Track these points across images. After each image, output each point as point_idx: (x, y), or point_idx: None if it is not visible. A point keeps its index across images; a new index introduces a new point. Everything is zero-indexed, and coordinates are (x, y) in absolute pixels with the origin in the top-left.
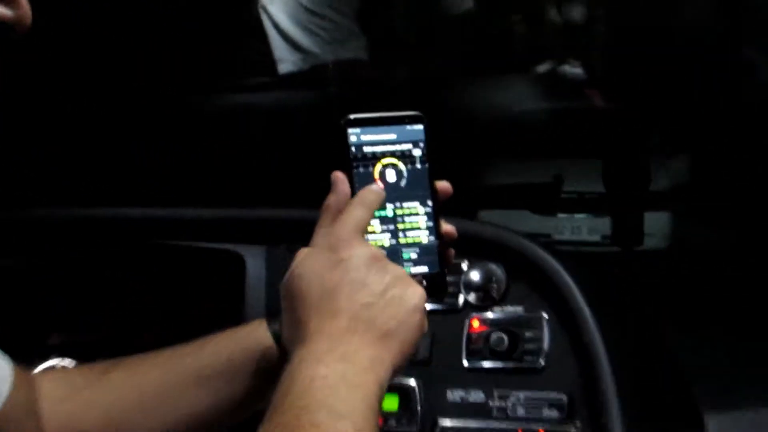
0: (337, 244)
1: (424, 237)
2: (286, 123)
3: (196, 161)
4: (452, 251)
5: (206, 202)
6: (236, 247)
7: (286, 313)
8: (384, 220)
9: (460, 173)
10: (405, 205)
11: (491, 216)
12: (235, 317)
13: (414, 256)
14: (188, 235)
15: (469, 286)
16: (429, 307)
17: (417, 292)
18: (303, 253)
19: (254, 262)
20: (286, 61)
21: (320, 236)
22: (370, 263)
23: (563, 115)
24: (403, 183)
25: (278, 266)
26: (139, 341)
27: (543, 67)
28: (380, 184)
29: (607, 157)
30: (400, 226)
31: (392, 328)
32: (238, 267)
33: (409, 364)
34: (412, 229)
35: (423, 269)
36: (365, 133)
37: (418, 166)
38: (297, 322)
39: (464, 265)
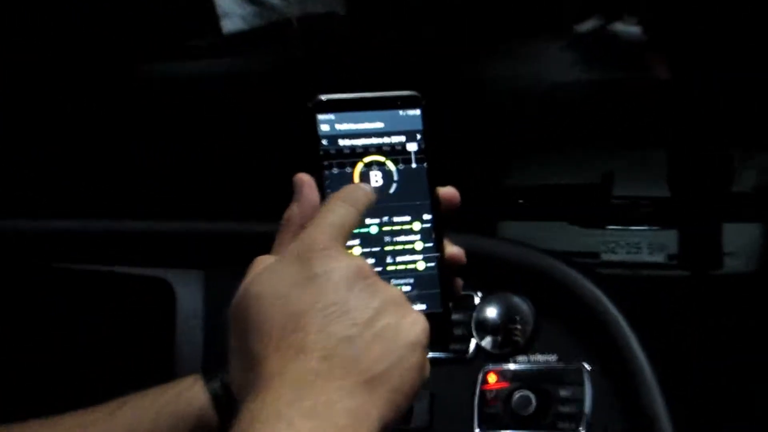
0: (309, 253)
1: (420, 263)
2: (231, 103)
3: (110, 155)
4: (459, 282)
5: (123, 211)
6: (163, 273)
7: (236, 351)
8: (366, 241)
9: (472, 173)
10: (395, 219)
11: (514, 230)
12: (161, 368)
13: (407, 289)
14: (99, 256)
15: (484, 328)
16: (430, 355)
17: (417, 322)
18: (261, 264)
19: (187, 291)
20: (232, 16)
21: (285, 245)
22: (354, 281)
23: (614, 90)
24: (392, 189)
25: (220, 297)
26: (33, 399)
27: (586, 26)
28: None
29: (673, 148)
30: (389, 248)
31: (381, 372)
32: (166, 299)
33: None
34: (405, 252)
35: (419, 308)
36: (342, 121)
37: (414, 165)
38: (250, 361)
39: (476, 299)
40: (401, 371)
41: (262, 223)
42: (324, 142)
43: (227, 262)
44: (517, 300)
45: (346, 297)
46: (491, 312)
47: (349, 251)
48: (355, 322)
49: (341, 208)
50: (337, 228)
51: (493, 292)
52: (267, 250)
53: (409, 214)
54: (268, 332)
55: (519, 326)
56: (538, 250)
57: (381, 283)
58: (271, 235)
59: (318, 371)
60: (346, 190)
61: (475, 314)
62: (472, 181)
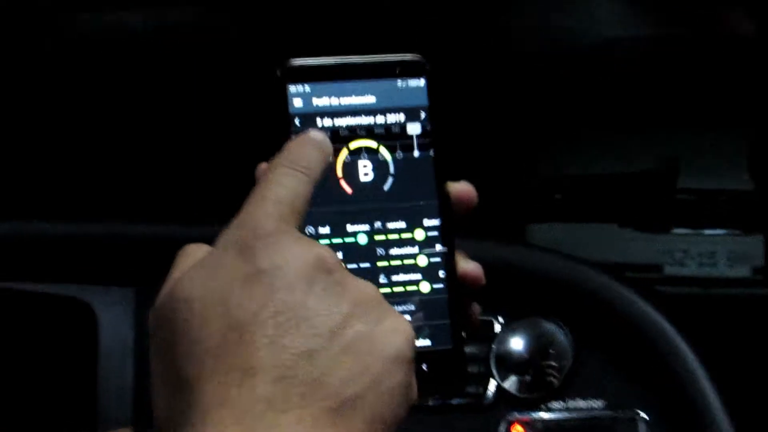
0: (251, 241)
1: (424, 284)
2: (173, 68)
3: (9, 134)
4: (477, 308)
5: (25, 210)
6: (80, 291)
7: (159, 375)
8: (351, 254)
9: (494, 162)
10: (391, 225)
11: (548, 235)
12: (80, 416)
13: (407, 319)
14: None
15: (507, 364)
16: (437, 401)
17: (398, 329)
18: (190, 257)
19: (112, 315)
20: None
21: (223, 234)
22: (313, 277)
23: (679, 51)
24: (387, 185)
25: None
26: None
27: None
28: (346, 187)
29: (756, 127)
30: (381, 264)
31: (353, 396)
32: (84, 325)
33: None
34: (404, 269)
35: (423, 343)
36: (320, 94)
37: (416, 153)
38: (179, 388)
39: (497, 326)
40: (379, 394)
41: (214, 226)
42: (297, 122)
43: (161, 277)
44: (550, 327)
45: (303, 299)
46: (516, 343)
47: (306, 236)
48: (316, 332)
49: (288, 177)
50: (285, 205)
51: (519, 316)
52: None
53: (409, 219)
54: (203, 349)
55: (553, 362)
56: (579, 261)
57: (350, 279)
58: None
59: (270, 398)
60: (291, 149)
61: (495, 346)
62: (494, 173)
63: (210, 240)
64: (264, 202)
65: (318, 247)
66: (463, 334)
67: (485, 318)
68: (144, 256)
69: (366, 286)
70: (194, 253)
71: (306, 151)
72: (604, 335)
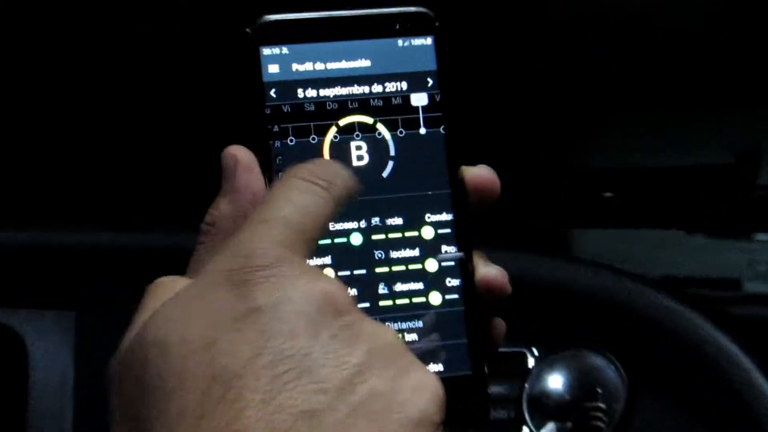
0: (246, 272)
1: (435, 295)
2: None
3: None
4: (501, 325)
5: None
6: (6, 316)
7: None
8: (343, 258)
9: (524, 145)
10: (392, 221)
11: (595, 243)
12: None
13: (412, 338)
14: None
15: (543, 407)
16: None
17: (424, 386)
18: (166, 289)
19: (47, 345)
20: None
21: (209, 255)
22: (321, 319)
23: (755, 13)
24: (387, 171)
25: (100, 353)
26: None
27: None
28: None
29: None
30: (381, 270)
31: None
32: (12, 356)
33: None
34: (409, 276)
35: (434, 368)
36: (302, 58)
37: (423, 131)
38: None
39: (530, 360)
40: None
41: (169, 233)
42: (272, 92)
43: (111, 297)
44: (597, 361)
45: (306, 346)
46: (555, 381)
47: (315, 268)
48: (321, 388)
49: (301, 192)
50: (293, 228)
51: (559, 348)
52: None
53: (414, 213)
54: (179, 407)
55: (601, 404)
56: (634, 277)
57: (365, 323)
58: (183, 254)
59: None
60: (315, 164)
61: (528, 385)
62: (524, 159)
63: (161, 250)
64: (266, 225)
65: (325, 282)
66: (485, 357)
67: (516, 349)
68: (84, 272)
69: (384, 331)
70: (170, 285)
71: (330, 167)
72: (664, 371)
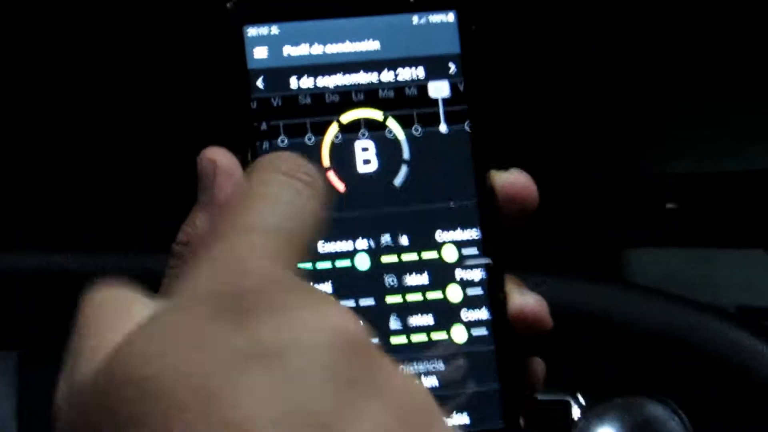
0: (241, 299)
1: (458, 330)
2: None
3: None
4: (539, 364)
5: None
6: None
7: None
8: (347, 283)
9: (567, 145)
10: (405, 240)
11: (657, 265)
12: None
13: (432, 384)
14: None
15: None
16: None
17: None
18: (135, 312)
19: None
20: None
21: (186, 276)
22: (336, 362)
23: None
24: (400, 178)
25: (46, 397)
26: None
27: None
28: (336, 182)
29: None
30: (393, 300)
31: None
32: None
33: None
34: (426, 307)
35: (460, 420)
36: (294, 38)
37: (444, 128)
38: None
39: (575, 410)
40: None
41: (132, 255)
42: (259, 82)
43: (62, 333)
44: (657, 411)
45: (322, 398)
46: None
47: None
48: None
49: (288, 190)
50: (282, 238)
51: (610, 395)
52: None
53: (433, 229)
54: None
55: None
56: (703, 308)
57: (387, 369)
58: (152, 276)
59: None
60: (281, 154)
61: None
62: (567, 162)
63: (143, 277)
64: (250, 235)
65: (335, 314)
66: (520, 407)
67: (558, 397)
68: (28, 304)
69: (411, 383)
70: (140, 307)
71: (299, 158)
72: (738, 424)
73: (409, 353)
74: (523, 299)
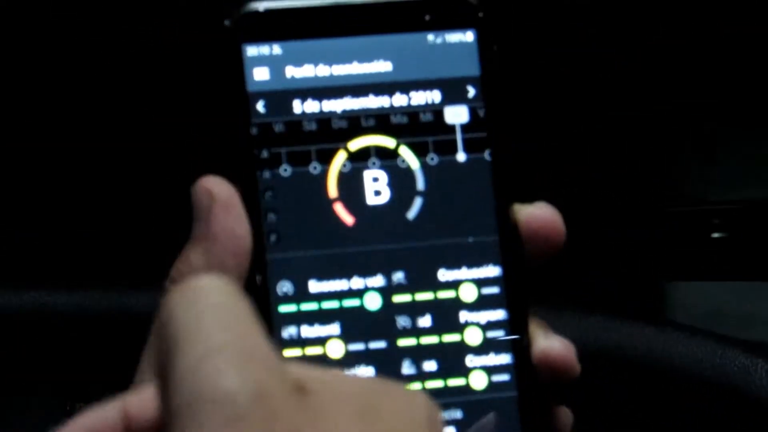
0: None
1: (478, 376)
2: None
3: None
4: (566, 414)
5: None
6: None
7: None
8: (356, 324)
9: (600, 172)
10: (419, 278)
11: (705, 301)
12: None
13: None
14: None
15: None
16: None
17: None
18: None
19: None
20: None
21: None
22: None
23: None
24: (413, 211)
25: None
26: None
27: None
28: (344, 215)
29: None
30: (406, 343)
31: None
32: None
33: None
34: (443, 351)
35: None
36: (298, 58)
37: (462, 157)
38: None
39: None
40: None
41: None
42: (259, 106)
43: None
44: None
45: None
46: None
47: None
48: None
49: (216, 296)
50: (241, 350)
51: None
52: (130, 366)
53: (450, 267)
54: None
55: None
56: (752, 348)
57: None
58: (136, 320)
59: None
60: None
61: None
62: (597, 192)
63: (128, 318)
64: (210, 357)
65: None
66: None
67: None
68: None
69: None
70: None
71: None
72: None
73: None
74: (548, 343)
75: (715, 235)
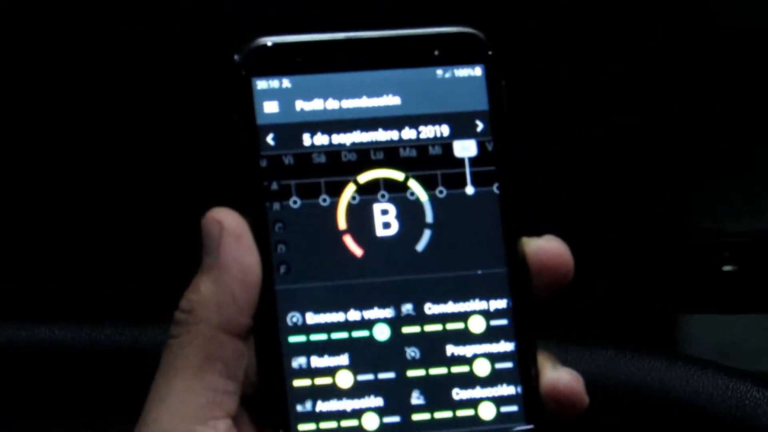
0: None
1: (487, 407)
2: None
3: None
4: None
5: None
6: None
7: None
8: (365, 355)
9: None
10: (429, 309)
11: (717, 334)
12: None
13: None
14: None
15: None
16: None
17: None
18: None
19: None
20: None
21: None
22: None
23: None
24: (422, 244)
25: None
26: None
27: None
28: (354, 247)
29: None
30: (415, 373)
31: None
32: None
33: None
34: (452, 381)
35: None
36: (309, 94)
37: (470, 190)
38: None
39: None
40: None
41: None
42: (269, 139)
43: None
44: None
45: None
46: None
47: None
48: None
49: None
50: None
51: None
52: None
53: (459, 299)
54: None
55: None
56: (765, 382)
57: None
58: (146, 354)
59: None
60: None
61: None
62: (606, 225)
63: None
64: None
65: None
66: None
67: None
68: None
69: None
70: None
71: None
72: None
73: (433, 431)
74: (556, 374)
75: (727, 267)
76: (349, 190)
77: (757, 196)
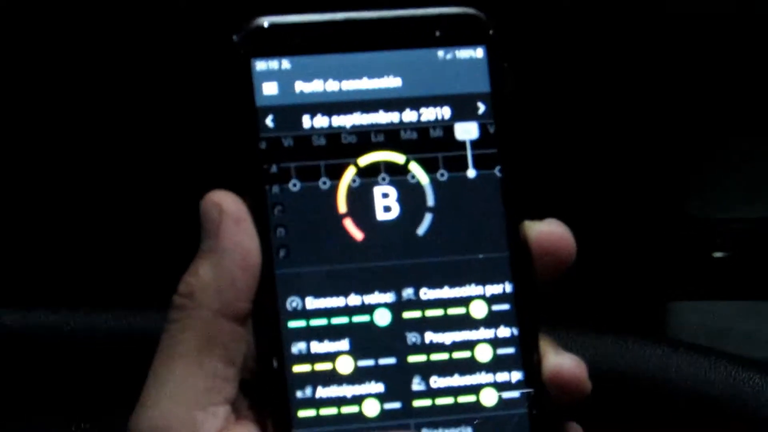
0: None
1: (488, 393)
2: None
3: None
4: (576, 430)
5: None
6: None
7: None
8: (365, 341)
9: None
10: (430, 294)
11: (709, 321)
12: None
13: None
14: None
15: None
16: None
17: None
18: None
19: None
20: None
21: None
22: None
23: None
24: (423, 227)
25: None
26: None
27: None
28: (354, 231)
29: None
30: (416, 359)
31: None
32: None
33: None
34: (453, 367)
35: None
36: (307, 73)
37: (472, 173)
38: None
39: None
40: None
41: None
42: (268, 120)
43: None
44: None
45: None
46: None
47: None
48: None
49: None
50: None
51: None
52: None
53: (461, 283)
54: None
55: None
56: (759, 367)
57: None
58: (145, 339)
59: None
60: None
61: None
62: (605, 210)
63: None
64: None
65: None
66: None
67: None
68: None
69: None
70: None
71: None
72: None
73: (434, 417)
74: (559, 360)
75: (717, 254)
76: (350, 173)
77: (748, 184)
